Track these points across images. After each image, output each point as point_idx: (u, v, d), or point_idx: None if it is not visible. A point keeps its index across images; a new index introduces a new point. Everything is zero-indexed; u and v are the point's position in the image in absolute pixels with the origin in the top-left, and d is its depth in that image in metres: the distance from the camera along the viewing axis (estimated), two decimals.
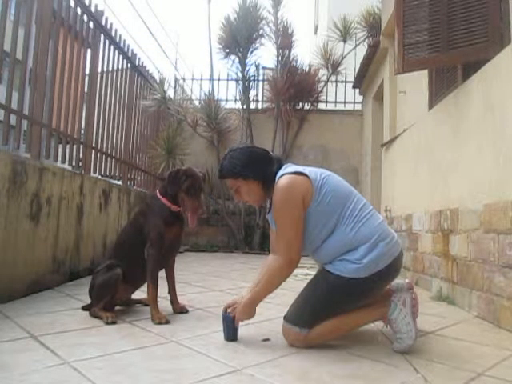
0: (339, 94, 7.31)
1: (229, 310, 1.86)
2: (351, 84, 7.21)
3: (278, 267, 1.76)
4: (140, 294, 2.49)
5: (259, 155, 1.90)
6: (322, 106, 7.41)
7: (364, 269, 1.71)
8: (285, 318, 1.83)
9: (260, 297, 1.82)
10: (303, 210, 1.74)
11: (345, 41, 6.92)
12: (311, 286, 1.84)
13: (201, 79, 7.78)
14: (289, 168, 1.84)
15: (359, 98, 7.38)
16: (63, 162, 3.64)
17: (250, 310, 1.81)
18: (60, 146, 3.59)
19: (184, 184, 2.25)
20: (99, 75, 4.34)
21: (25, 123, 3.00)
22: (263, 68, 8.09)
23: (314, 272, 4.38)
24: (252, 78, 7.38)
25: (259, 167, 1.85)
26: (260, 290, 1.80)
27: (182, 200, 2.27)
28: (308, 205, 1.74)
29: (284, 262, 1.74)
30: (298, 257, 1.75)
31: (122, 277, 2.21)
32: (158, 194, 2.34)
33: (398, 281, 1.89)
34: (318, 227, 1.77)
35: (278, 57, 7.08)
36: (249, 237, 6.86)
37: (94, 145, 4.17)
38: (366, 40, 6.64)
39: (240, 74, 7.20)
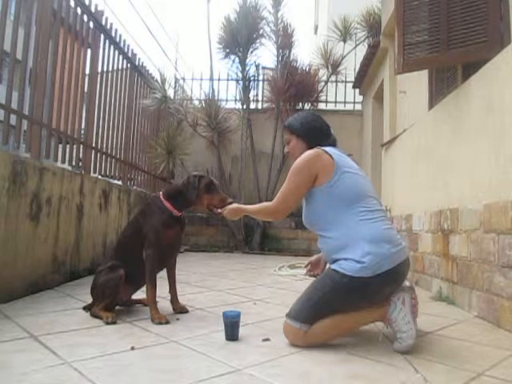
0: (339, 94, 7.32)
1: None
2: (351, 84, 7.22)
3: (267, 207, 2.05)
4: (140, 293, 2.49)
5: (320, 127, 2.10)
6: (322, 105, 7.40)
7: (368, 268, 1.72)
8: (287, 314, 1.84)
9: (247, 212, 2.16)
10: (310, 183, 1.91)
11: (345, 41, 6.91)
12: (316, 283, 1.86)
13: (201, 79, 7.79)
14: (328, 147, 1.97)
15: (359, 98, 7.38)
16: (63, 161, 3.63)
17: (235, 214, 2.20)
18: (60, 145, 3.59)
19: (201, 184, 2.29)
20: (99, 75, 4.34)
21: (25, 123, 3.00)
22: (263, 68, 8.09)
23: None
24: (252, 78, 7.37)
25: (313, 135, 2.06)
26: (249, 209, 2.15)
27: (204, 200, 2.29)
28: (320, 183, 1.89)
29: (272, 207, 2.01)
30: (284, 210, 1.99)
31: (124, 278, 2.21)
32: (162, 197, 2.32)
33: None
34: (325, 208, 1.89)
35: (278, 57, 7.08)
36: (249, 237, 6.86)
37: (94, 145, 4.17)
38: (366, 40, 6.64)
39: (240, 74, 7.20)
